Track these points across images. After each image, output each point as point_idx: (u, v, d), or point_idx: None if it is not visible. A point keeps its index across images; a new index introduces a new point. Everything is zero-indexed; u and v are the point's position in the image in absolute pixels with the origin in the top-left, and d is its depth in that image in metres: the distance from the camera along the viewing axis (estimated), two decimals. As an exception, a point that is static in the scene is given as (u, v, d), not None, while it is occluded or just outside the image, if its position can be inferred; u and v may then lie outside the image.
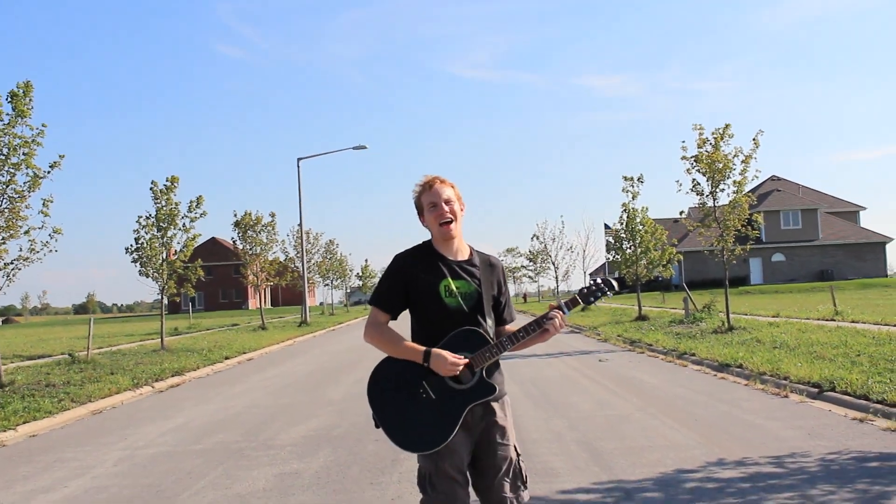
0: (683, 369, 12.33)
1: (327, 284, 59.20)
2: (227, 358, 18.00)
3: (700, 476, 5.49)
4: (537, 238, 54.44)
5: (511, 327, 3.20)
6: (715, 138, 16.72)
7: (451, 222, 3.07)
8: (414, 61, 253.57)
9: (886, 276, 55.19)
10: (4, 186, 11.93)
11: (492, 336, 3.07)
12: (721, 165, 16.62)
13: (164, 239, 18.95)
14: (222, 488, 5.87)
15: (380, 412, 3.03)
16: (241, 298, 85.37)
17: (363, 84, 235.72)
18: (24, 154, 12.06)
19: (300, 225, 40.06)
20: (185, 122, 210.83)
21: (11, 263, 12.22)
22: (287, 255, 44.58)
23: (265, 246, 31.86)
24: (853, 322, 16.49)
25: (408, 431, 2.97)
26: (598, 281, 3.19)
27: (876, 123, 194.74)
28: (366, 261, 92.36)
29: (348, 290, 76.28)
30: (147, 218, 18.90)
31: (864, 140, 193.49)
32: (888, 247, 56.13)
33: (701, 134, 16.84)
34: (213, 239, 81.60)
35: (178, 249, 19.56)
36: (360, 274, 69.51)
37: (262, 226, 31.46)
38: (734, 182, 16.78)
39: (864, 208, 62.77)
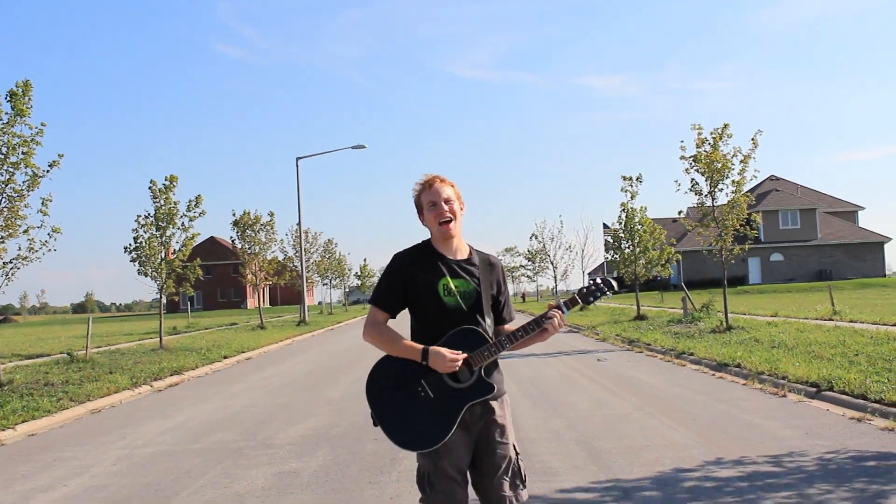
0: (682, 369, 12.34)
1: (326, 284, 59.16)
2: (225, 357, 18.01)
3: (698, 475, 5.50)
4: (536, 237, 54.31)
5: (510, 327, 3.20)
6: (714, 138, 16.73)
7: (450, 221, 3.07)
8: (414, 61, 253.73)
9: (885, 275, 55.24)
10: (3, 186, 11.92)
11: (491, 335, 3.08)
12: (720, 165, 16.63)
13: (163, 238, 18.94)
14: (221, 487, 5.87)
15: (378, 411, 3.03)
16: (239, 298, 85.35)
17: (363, 84, 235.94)
18: (23, 153, 12.06)
19: (299, 224, 40.09)
20: (185, 121, 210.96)
21: (10, 263, 12.22)
22: (286, 255, 44.58)
23: (264, 245, 31.85)
24: (851, 322, 16.51)
25: (406, 430, 2.98)
26: (598, 281, 3.19)
27: (875, 123, 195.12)
28: (364, 260, 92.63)
29: (347, 290, 76.26)
30: (146, 217, 18.89)
31: (863, 140, 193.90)
32: (887, 247, 56.24)
33: (700, 134, 16.85)
34: (211, 238, 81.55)
35: (177, 249, 19.54)
36: (359, 273, 69.48)
37: (261, 225, 31.45)
38: (733, 182, 16.80)
39: (863, 208, 62.86)
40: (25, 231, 12.25)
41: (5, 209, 11.95)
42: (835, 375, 9.01)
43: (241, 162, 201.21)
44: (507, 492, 3.00)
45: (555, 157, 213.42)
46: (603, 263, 52.05)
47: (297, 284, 42.94)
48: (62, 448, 7.96)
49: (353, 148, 38.36)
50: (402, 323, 3.01)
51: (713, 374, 11.27)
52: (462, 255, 3.14)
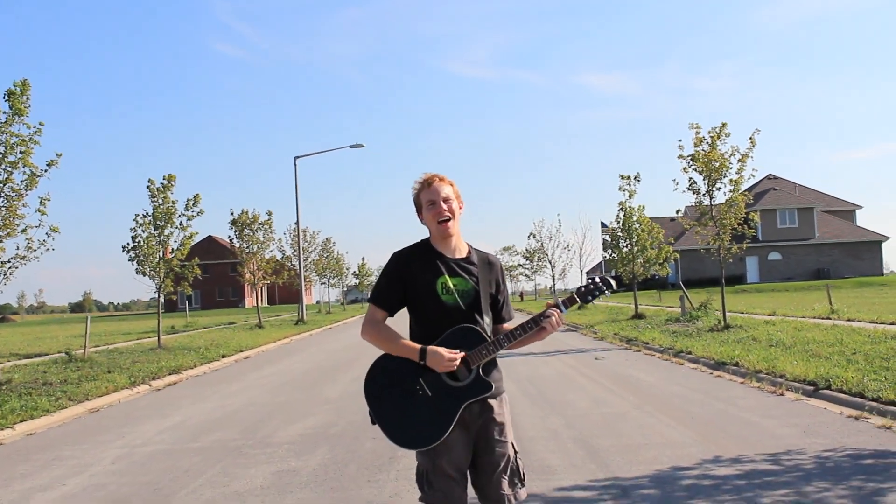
0: (680, 367, 12.36)
1: (324, 283, 59.18)
2: (223, 356, 18.01)
3: (696, 473, 5.52)
4: (534, 236, 54.41)
5: (509, 325, 3.21)
6: (711, 137, 16.76)
7: (448, 220, 3.08)
8: (412, 60, 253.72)
9: (883, 274, 55.32)
10: (2, 185, 11.91)
11: (489, 334, 3.09)
12: (718, 164, 16.65)
13: (161, 237, 18.92)
14: (220, 486, 5.88)
15: (377, 409, 3.04)
16: (237, 297, 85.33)
17: (361, 83, 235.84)
18: (21, 152, 12.05)
19: (297, 223, 40.07)
20: (183, 120, 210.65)
21: (8, 262, 12.21)
22: (284, 254, 44.57)
23: (262, 244, 31.86)
24: (849, 320, 16.54)
25: (404, 428, 2.99)
26: (597, 279, 3.20)
27: (873, 123, 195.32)
28: (362, 259, 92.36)
29: (345, 289, 76.30)
30: (144, 216, 18.87)
31: (861, 139, 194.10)
32: (884, 245, 56.35)
33: (698, 133, 16.87)
34: (209, 237, 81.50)
35: (175, 248, 19.54)
36: (357, 272, 69.48)
37: (259, 224, 31.46)
38: (731, 181, 16.82)
39: (861, 207, 62.94)
40: (24, 230, 12.23)
41: (3, 208, 11.94)
42: (832, 374, 9.03)
43: (239, 161, 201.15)
44: (506, 490, 3.01)
45: (553, 156, 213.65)
46: (601, 262, 52.15)
47: (295, 283, 42.91)
48: (61, 447, 7.96)
49: (350, 147, 38.36)
50: (401, 321, 3.02)
51: (711, 373, 11.29)
52: (461, 253, 3.15)
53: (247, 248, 31.29)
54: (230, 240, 32.17)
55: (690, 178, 17.21)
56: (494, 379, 3.07)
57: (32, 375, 12.95)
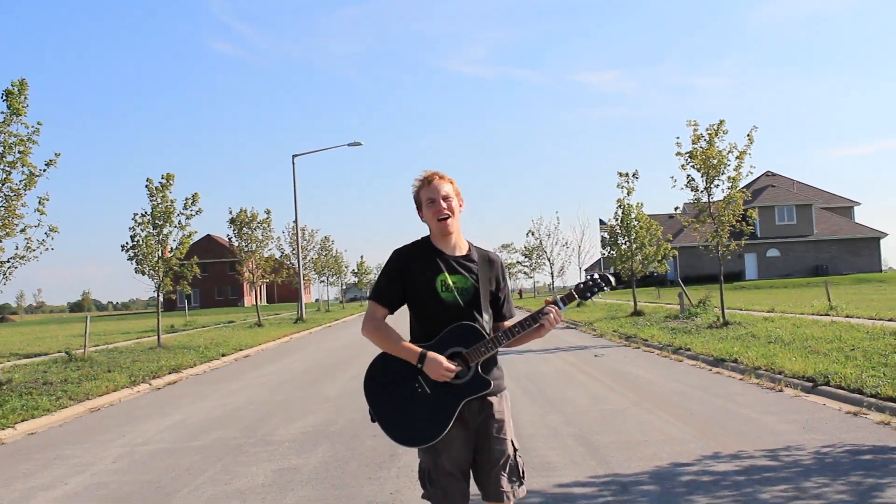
0: (679, 364, 12.39)
1: (323, 281, 59.11)
2: (223, 355, 18.02)
3: (695, 469, 5.54)
4: (532, 234, 54.34)
5: (510, 323, 3.22)
6: (709, 134, 16.77)
7: (448, 218, 3.09)
8: (410, 58, 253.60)
9: (881, 271, 55.36)
10: (0, 185, 11.92)
11: (489, 331, 3.09)
12: (715, 161, 16.67)
13: (160, 236, 18.92)
14: (221, 484, 5.90)
15: (376, 407, 3.05)
16: (236, 296, 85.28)
17: (359, 81, 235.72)
18: (19, 152, 12.05)
19: (296, 222, 40.06)
20: (182, 119, 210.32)
21: (8, 262, 12.22)
22: (283, 252, 44.49)
23: (261, 243, 31.83)
24: (847, 317, 16.56)
25: (404, 426, 3.00)
26: (596, 276, 3.20)
27: (871, 119, 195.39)
28: (361, 257, 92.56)
29: (344, 287, 76.23)
30: (143, 215, 18.85)
31: (859, 136, 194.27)
32: (882, 242, 56.36)
33: (695, 130, 16.88)
34: (208, 236, 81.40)
35: (174, 247, 19.54)
36: (356, 270, 69.42)
37: (258, 223, 31.42)
38: (729, 178, 16.84)
39: (859, 204, 62.94)
40: (23, 230, 12.24)
41: (2, 208, 11.93)
42: (831, 370, 9.05)
43: (238, 160, 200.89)
44: (506, 487, 3.01)
45: (552, 154, 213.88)
46: (599, 260, 52.14)
47: (294, 282, 42.87)
48: (62, 446, 7.98)
49: (349, 145, 38.37)
50: (401, 320, 3.04)
51: (710, 370, 11.31)
52: (461, 251, 3.16)
53: (245, 246, 31.27)
54: (229, 238, 32.15)
55: (688, 176, 17.24)
56: (494, 376, 3.07)
57: (33, 375, 12.96)
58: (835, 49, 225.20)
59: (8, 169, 11.96)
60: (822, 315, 17.68)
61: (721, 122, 16.80)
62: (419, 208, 3.17)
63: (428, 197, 3.10)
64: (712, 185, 17.02)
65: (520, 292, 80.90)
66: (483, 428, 3.05)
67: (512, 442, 3.09)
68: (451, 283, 3.05)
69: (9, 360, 16.85)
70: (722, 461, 5.73)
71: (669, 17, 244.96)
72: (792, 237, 54.98)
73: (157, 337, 20.03)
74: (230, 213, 31.07)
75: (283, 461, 6.57)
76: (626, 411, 8.15)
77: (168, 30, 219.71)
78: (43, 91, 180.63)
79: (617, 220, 25.33)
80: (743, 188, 17.32)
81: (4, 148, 11.90)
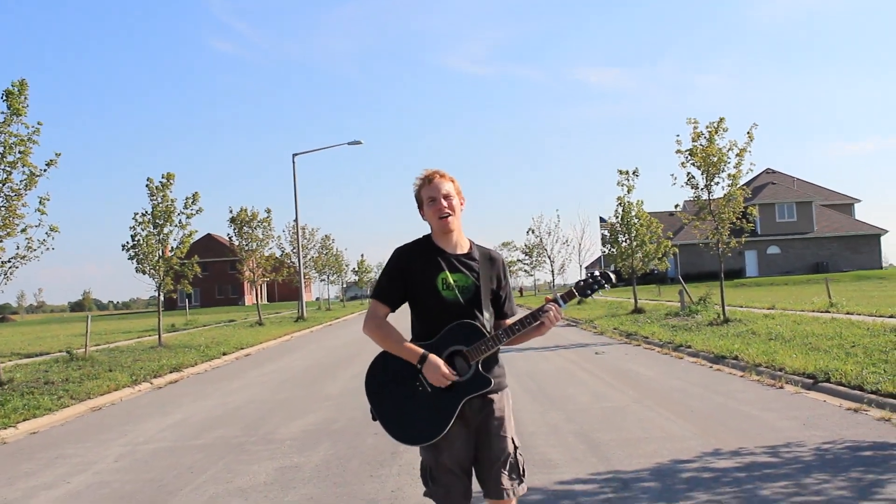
0: (679, 361, 12.40)
1: (323, 280, 59.13)
2: (224, 354, 18.04)
3: (696, 466, 5.55)
4: (533, 232, 54.46)
5: (511, 321, 3.23)
6: (709, 132, 16.78)
7: (449, 216, 3.09)
8: (409, 55, 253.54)
9: (881, 268, 55.33)
10: (1, 185, 11.94)
11: (489, 329, 3.10)
12: (715, 159, 16.68)
13: (161, 236, 18.93)
14: (223, 482, 5.91)
15: (377, 406, 3.06)
16: (237, 294, 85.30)
17: (358, 79, 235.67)
18: (20, 152, 12.06)
19: (296, 220, 40.10)
20: (181, 118, 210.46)
21: (9, 262, 12.24)
22: (283, 251, 44.52)
23: (261, 242, 31.84)
24: (848, 314, 16.56)
25: (404, 425, 3.01)
26: (596, 274, 3.21)
27: (871, 116, 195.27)
28: (362, 255, 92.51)
29: (344, 286, 76.23)
30: (143, 215, 18.87)
31: (860, 133, 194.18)
32: (883, 239, 56.33)
33: (695, 128, 16.89)
34: (208, 235, 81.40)
35: (175, 246, 19.55)
36: (357, 269, 69.42)
37: (258, 222, 31.44)
38: (729, 175, 16.86)
39: (859, 201, 62.91)
40: (23, 230, 12.26)
41: (3, 208, 11.96)
42: (832, 367, 9.07)
43: (238, 159, 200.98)
44: (506, 484, 3.02)
45: (551, 151, 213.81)
46: (600, 257, 52.09)
47: (294, 280, 42.89)
48: (64, 445, 7.99)
49: (349, 144, 38.39)
50: (401, 318, 3.05)
51: (711, 367, 11.33)
52: (462, 249, 3.16)
53: (246, 245, 31.29)
54: (229, 237, 32.16)
55: (689, 173, 17.25)
56: (495, 374, 3.08)
57: (34, 374, 12.98)
58: (835, 46, 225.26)
59: (9, 169, 11.99)
60: (822, 312, 17.68)
61: (721, 119, 16.82)
62: (420, 207, 3.18)
63: (429, 195, 3.11)
64: (712, 183, 17.04)
65: (520, 290, 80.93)
66: (484, 425, 3.05)
67: (513, 439, 3.09)
68: (451, 281, 3.06)
69: (10, 360, 16.88)
70: (722, 458, 5.75)
71: (669, 14, 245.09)
72: (792, 234, 54.96)
73: (157, 336, 20.04)
74: (230, 212, 31.12)
75: (285, 459, 6.59)
76: (627, 408, 8.16)
77: (168, 29, 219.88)
78: (43, 91, 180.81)
79: (617, 217, 25.34)
80: (743, 185, 17.31)
81: (5, 148, 11.92)
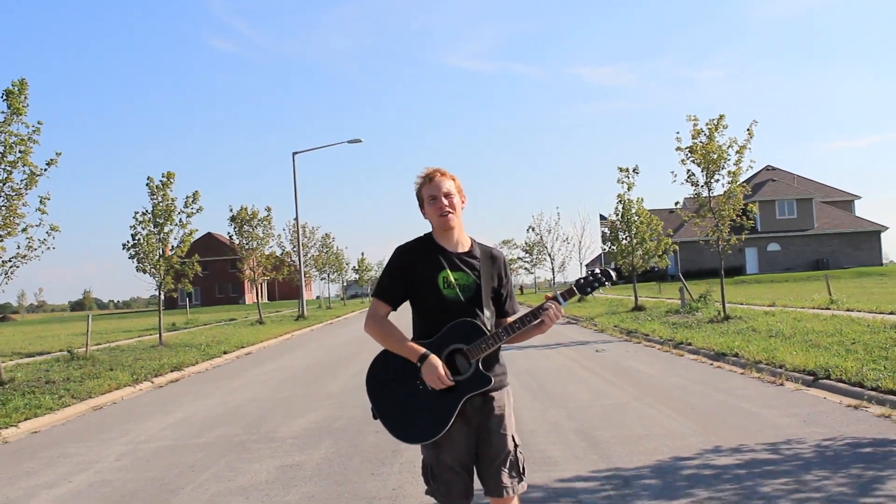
0: (680, 359, 12.41)
1: (324, 278, 59.17)
2: (225, 353, 18.06)
3: (697, 463, 5.56)
4: (533, 229, 54.53)
5: (512, 319, 3.23)
6: (709, 129, 16.78)
7: (450, 215, 3.09)
8: (409, 53, 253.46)
9: (882, 264, 55.35)
10: (1, 185, 11.95)
11: (490, 328, 3.10)
12: (715, 156, 16.68)
13: (161, 235, 18.93)
14: (225, 481, 5.92)
15: (378, 404, 3.07)
16: (237, 293, 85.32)
17: (359, 77, 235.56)
18: (20, 152, 12.07)
19: (296, 219, 40.15)
20: (181, 117, 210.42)
21: (9, 261, 12.25)
22: (283, 250, 44.55)
23: (261, 240, 31.84)
24: (848, 310, 16.58)
25: (405, 423, 3.01)
26: (596, 271, 3.21)
27: (871, 113, 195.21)
28: (362, 254, 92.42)
29: (345, 284, 76.24)
30: (143, 214, 18.88)
31: (860, 129, 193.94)
32: (883, 235, 56.35)
33: (695, 125, 16.90)
34: (209, 234, 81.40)
35: (175, 245, 19.55)
36: (357, 267, 69.44)
37: (259, 220, 31.44)
38: (729, 172, 16.86)
39: (860, 197, 62.93)
40: (24, 230, 12.27)
41: (3, 208, 11.97)
42: (832, 364, 9.08)
43: (238, 157, 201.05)
44: (506, 482, 3.03)
45: (551, 149, 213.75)
46: (600, 255, 52.14)
47: (295, 279, 42.90)
48: (65, 445, 8.01)
49: (349, 142, 38.40)
50: (403, 316, 3.05)
51: (711, 364, 11.34)
52: (463, 247, 3.16)
53: (246, 244, 31.29)
54: (230, 236, 32.16)
55: (689, 170, 17.27)
56: (495, 373, 3.08)
57: (35, 374, 13.00)
58: (834, 42, 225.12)
59: (9, 168, 12.00)
60: (822, 309, 17.69)
61: (721, 116, 16.83)
62: (421, 205, 3.17)
63: (430, 194, 3.11)
64: (712, 180, 17.04)
65: (521, 288, 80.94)
66: (484, 423, 3.06)
67: (513, 437, 3.10)
68: (452, 279, 3.06)
69: (11, 359, 16.89)
70: (723, 455, 5.75)
71: (668, 10, 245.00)
72: (792, 231, 54.96)
73: (158, 335, 20.05)
74: (231, 210, 31.12)
75: (286, 458, 6.60)
76: (628, 406, 8.17)
77: (167, 28, 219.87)
78: (43, 91, 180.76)
79: (617, 215, 25.34)
80: (743, 182, 17.32)
81: (5, 147, 11.93)
